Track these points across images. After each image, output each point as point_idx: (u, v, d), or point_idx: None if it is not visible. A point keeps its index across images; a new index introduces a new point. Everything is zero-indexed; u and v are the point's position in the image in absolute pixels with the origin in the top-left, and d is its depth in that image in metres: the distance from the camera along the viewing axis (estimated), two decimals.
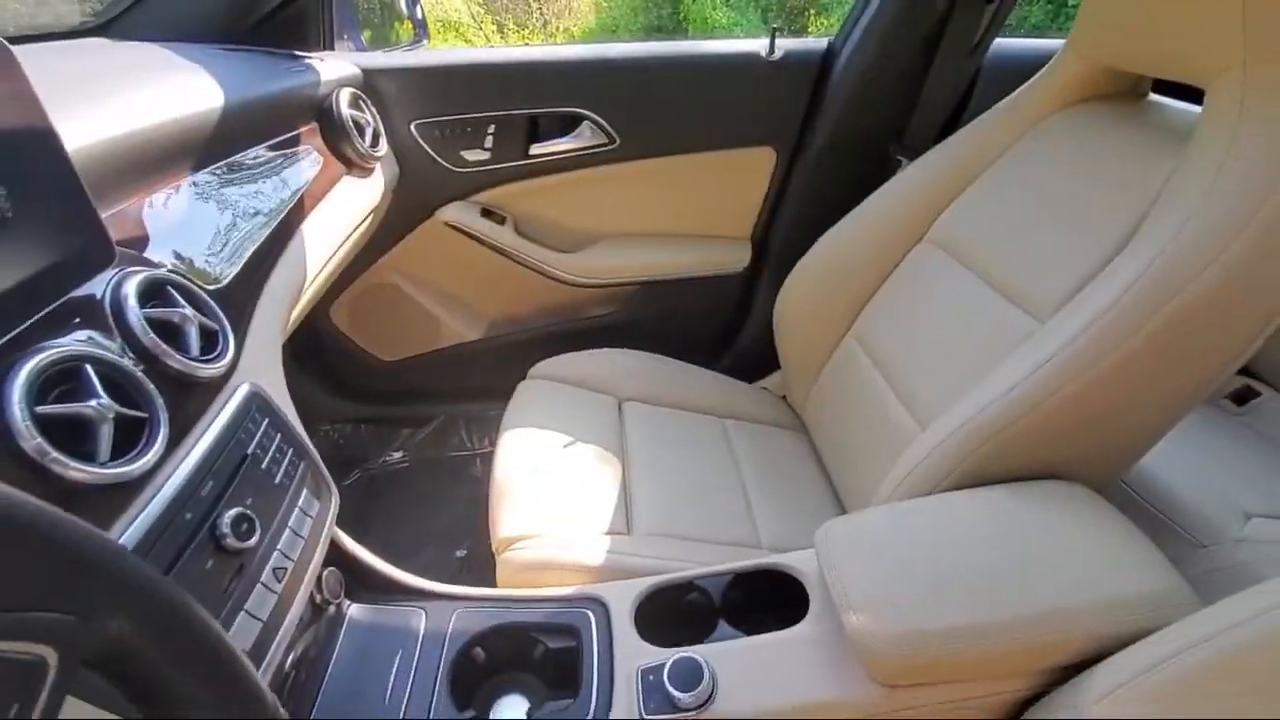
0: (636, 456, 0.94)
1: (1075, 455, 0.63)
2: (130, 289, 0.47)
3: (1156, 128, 0.73)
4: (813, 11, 5.48)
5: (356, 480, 1.31)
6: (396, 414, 1.34)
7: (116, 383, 0.42)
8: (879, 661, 0.52)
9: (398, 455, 1.33)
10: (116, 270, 0.47)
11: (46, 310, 0.41)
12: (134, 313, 0.46)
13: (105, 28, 0.89)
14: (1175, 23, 0.64)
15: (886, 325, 0.93)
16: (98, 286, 0.46)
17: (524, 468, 0.87)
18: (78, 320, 0.43)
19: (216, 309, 0.54)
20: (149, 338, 0.46)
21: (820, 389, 1.04)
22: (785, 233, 1.16)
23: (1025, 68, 0.88)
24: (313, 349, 1.22)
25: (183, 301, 0.51)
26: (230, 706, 0.24)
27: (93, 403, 0.40)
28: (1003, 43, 1.07)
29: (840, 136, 1.08)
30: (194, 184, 0.63)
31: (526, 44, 5.87)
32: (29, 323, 0.40)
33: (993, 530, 0.57)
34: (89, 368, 0.41)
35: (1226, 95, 0.59)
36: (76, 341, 0.42)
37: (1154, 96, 0.80)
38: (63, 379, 0.40)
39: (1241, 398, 1.21)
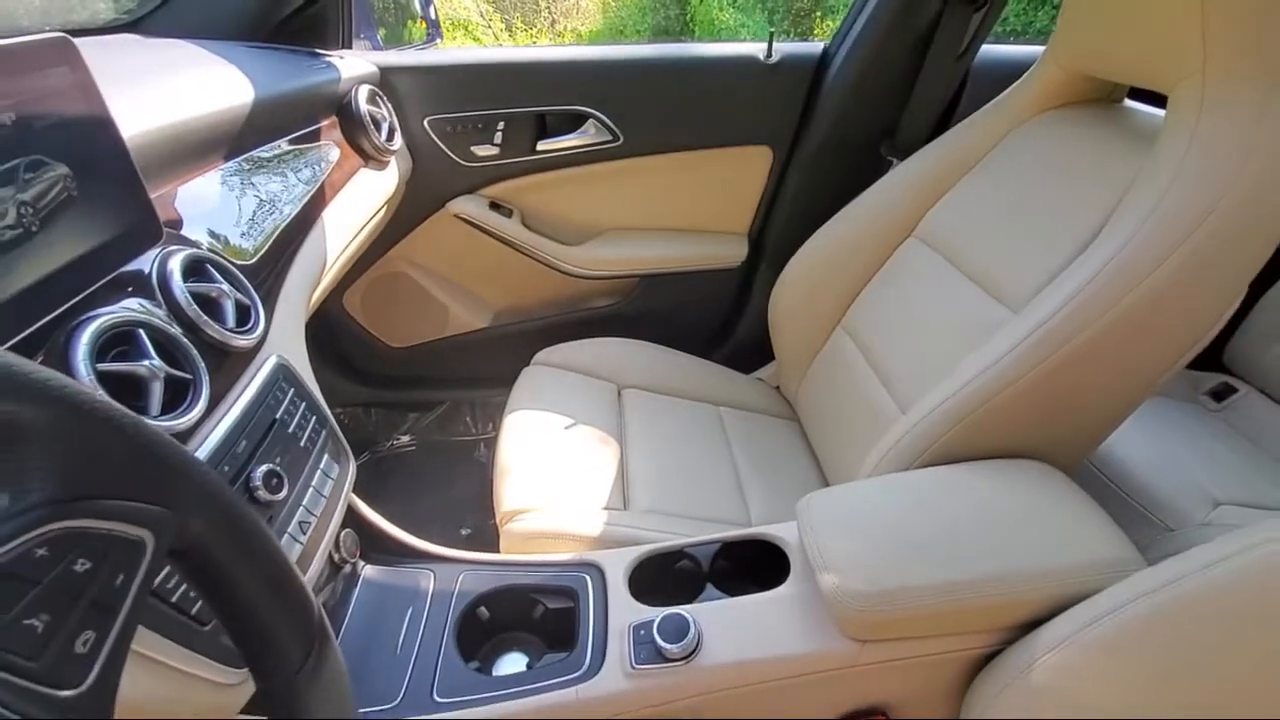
0: (634, 439, 0.99)
1: (1041, 436, 0.68)
2: (175, 265, 0.51)
3: (1128, 131, 0.77)
4: (818, 14, 5.51)
5: (366, 462, 1.36)
6: (405, 398, 1.39)
7: (164, 347, 0.47)
8: (850, 617, 0.56)
9: (406, 438, 1.38)
10: (162, 248, 0.52)
11: (104, 280, 0.46)
12: (178, 286, 0.51)
13: (136, 24, 0.94)
14: (1142, 34, 0.68)
15: (874, 317, 0.97)
16: (146, 262, 0.51)
17: (526, 447, 0.92)
18: (130, 290, 0.48)
19: (249, 286, 0.59)
20: (192, 309, 0.51)
21: (811, 379, 1.09)
22: (781, 229, 1.21)
23: (1013, 72, 0.92)
24: (326, 335, 1.27)
25: (219, 278, 0.56)
26: (284, 604, 0.29)
27: (145, 363, 0.45)
28: (993, 48, 1.11)
29: (834, 136, 1.12)
30: (226, 172, 0.68)
31: (534, 42, 5.92)
32: (90, 290, 0.45)
33: (958, 501, 0.62)
34: (142, 332, 0.46)
35: (1187, 101, 0.64)
36: (129, 309, 0.47)
37: (1129, 102, 0.85)
38: (119, 341, 0.45)
39: (1220, 395, 1.25)
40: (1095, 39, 0.76)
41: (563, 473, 0.89)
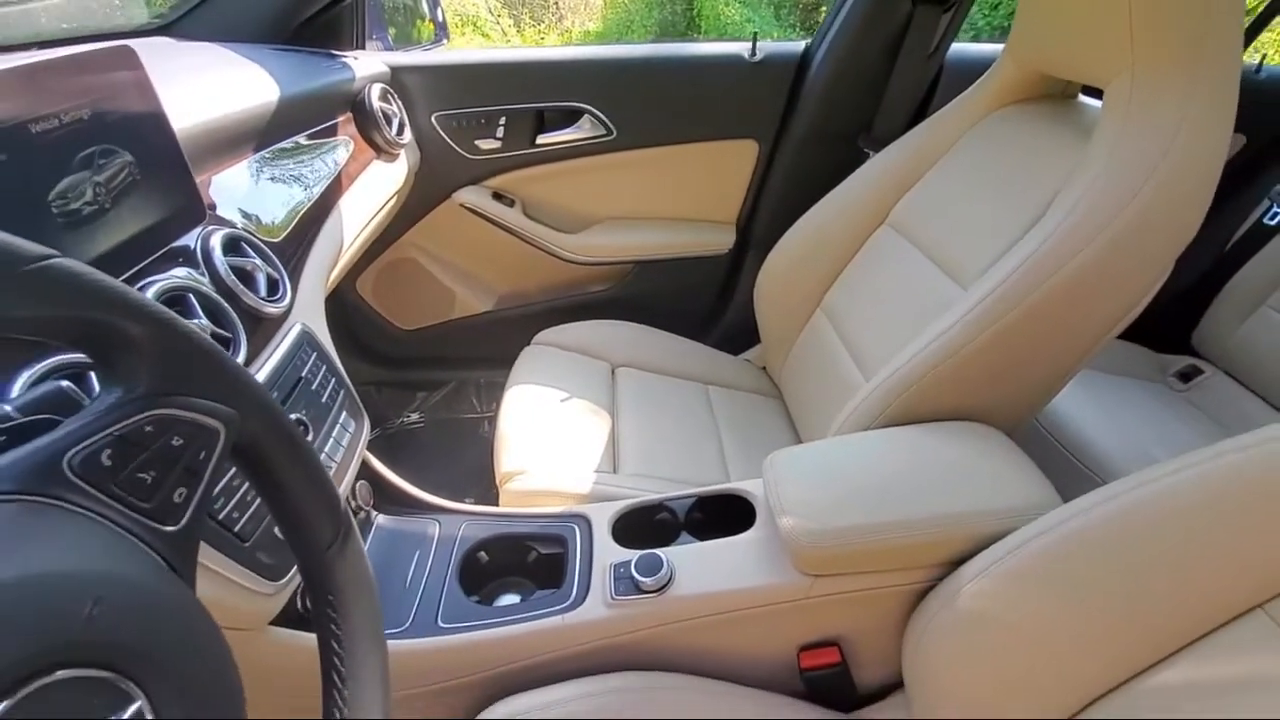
0: (625, 412, 1.07)
1: (985, 400, 0.75)
2: (216, 241, 0.60)
3: (1076, 124, 0.84)
4: (825, 7, 5.54)
5: (376, 438, 1.45)
6: (413, 378, 1.47)
7: (209, 310, 0.55)
8: (803, 554, 0.64)
9: (414, 416, 1.46)
10: (205, 226, 0.60)
11: (160, 252, 0.54)
12: (219, 260, 0.59)
13: (169, 28, 1.02)
14: (1081, 35, 0.75)
15: (849, 299, 1.05)
16: (192, 238, 0.59)
17: (525, 417, 1.00)
18: (180, 261, 0.56)
19: (277, 261, 0.67)
20: (230, 279, 0.59)
21: (793, 359, 1.16)
22: (766, 217, 1.28)
23: (984, 69, 0.99)
24: (340, 317, 1.36)
25: (252, 254, 0.64)
26: (317, 494, 0.37)
27: (195, 322, 0.53)
28: (966, 47, 1.18)
29: (815, 130, 1.19)
30: (254, 161, 0.76)
31: (541, 39, 5.98)
32: (149, 260, 0.53)
33: (902, 455, 0.69)
34: (191, 296, 0.54)
35: (1118, 95, 0.70)
36: (180, 278, 0.55)
37: (1082, 98, 0.91)
38: (172, 304, 0.53)
39: (1187, 376, 1.32)
40: (1043, 40, 0.82)
41: (558, 440, 0.97)
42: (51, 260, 0.25)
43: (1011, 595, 0.57)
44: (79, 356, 0.43)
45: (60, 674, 0.22)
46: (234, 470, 0.51)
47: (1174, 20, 0.66)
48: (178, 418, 0.30)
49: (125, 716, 0.23)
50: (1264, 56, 1.28)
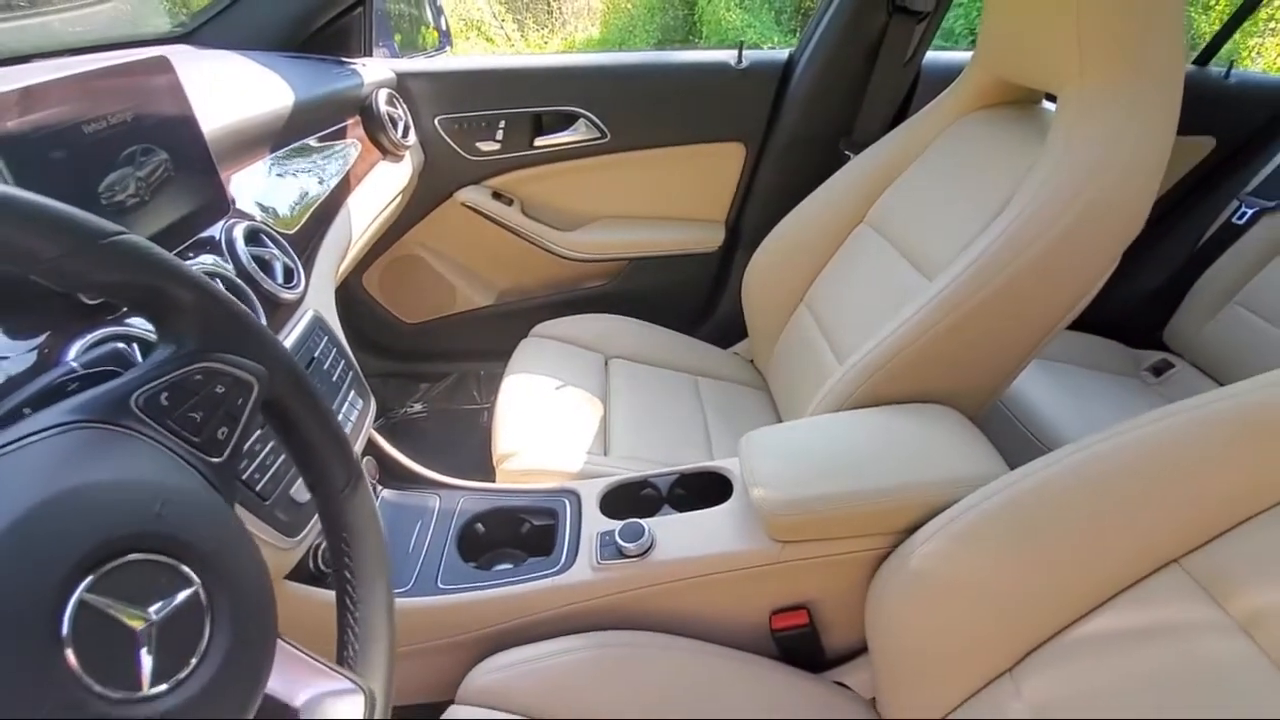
0: (617, 400, 1.13)
1: (946, 384, 0.80)
2: (238, 233, 0.66)
3: (1036, 128, 0.89)
4: None
5: (380, 427, 1.51)
6: (417, 370, 1.54)
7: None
8: (773, 521, 0.69)
9: (418, 406, 1.53)
10: (228, 219, 0.67)
11: (188, 242, 0.61)
12: (242, 250, 0.65)
13: (189, 36, 1.08)
14: (1035, 45, 0.81)
15: (829, 293, 1.10)
16: (217, 230, 0.65)
17: (522, 403, 1.06)
18: (207, 249, 0.62)
19: (292, 252, 0.73)
20: (251, 267, 0.65)
21: (778, 350, 1.21)
22: (754, 217, 1.34)
23: (956, 76, 1.04)
24: (347, 311, 1.42)
25: (271, 245, 0.70)
26: (333, 444, 0.43)
27: None
28: (942, 55, 1.24)
29: (799, 134, 1.25)
30: (271, 161, 0.82)
31: (545, 43, 6.05)
32: (180, 248, 0.59)
33: (864, 433, 0.75)
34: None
35: (1068, 101, 0.76)
36: (207, 264, 0.61)
37: (1046, 103, 0.97)
38: None
39: (1159, 370, 1.37)
40: (1005, 49, 0.88)
41: (552, 424, 1.03)
42: (123, 235, 0.32)
43: (958, 555, 0.62)
44: (123, 328, 0.49)
45: (133, 556, 0.28)
46: (256, 436, 0.57)
47: (1118, 34, 0.72)
48: (220, 370, 0.36)
49: (182, 596, 0.29)
50: (1232, 62, 1.33)
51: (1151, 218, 1.49)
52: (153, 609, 0.27)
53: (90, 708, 0.24)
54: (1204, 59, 1.32)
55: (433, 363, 1.53)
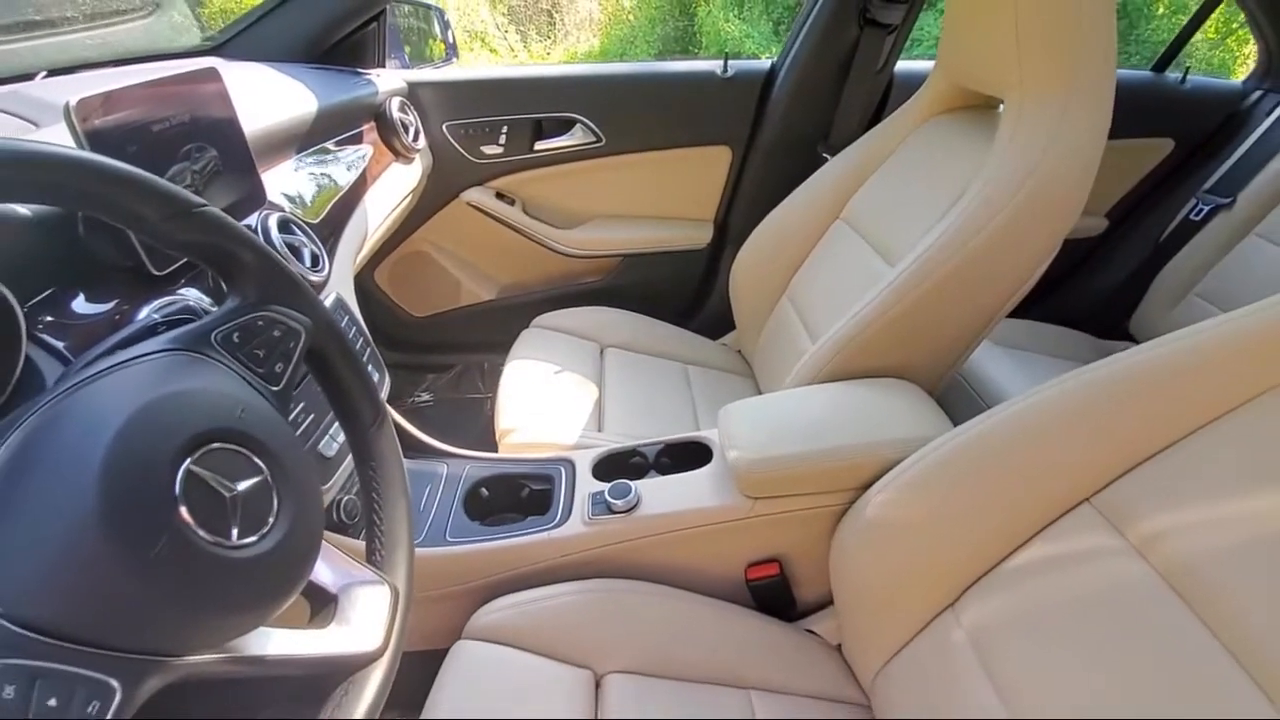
0: (611, 385, 1.21)
1: (904, 359, 0.89)
2: (272, 223, 0.75)
3: (990, 130, 0.98)
4: None
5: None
6: (424, 361, 1.62)
7: None
8: (744, 478, 0.78)
9: (425, 396, 1.61)
10: (262, 210, 0.75)
11: None
12: (275, 236, 0.74)
13: (219, 49, 1.18)
14: (984, 55, 0.90)
15: (808, 284, 1.19)
16: (253, 219, 0.74)
17: (523, 385, 1.15)
18: None
19: (318, 240, 0.82)
20: (284, 251, 0.74)
21: (763, 339, 1.30)
22: (740, 215, 1.43)
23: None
24: (360, 304, 1.51)
25: (299, 233, 0.79)
26: (362, 386, 0.52)
27: None
28: (913, 64, 1.33)
29: (780, 138, 1.34)
30: (297, 160, 0.92)
31: (547, 54, 6.17)
32: None
33: (829, 402, 0.84)
34: None
35: (1011, 106, 0.85)
36: None
37: (1004, 108, 1.05)
38: None
39: None
40: (959, 59, 0.97)
41: (551, 404, 1.12)
42: (207, 207, 0.41)
43: (906, 503, 0.71)
44: (177, 297, 0.58)
45: (221, 445, 0.36)
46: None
47: (1052, 47, 0.81)
48: (277, 318, 0.45)
49: (257, 480, 0.37)
50: (1187, 69, 1.42)
51: (1116, 216, 1.59)
52: (236, 485, 0.36)
53: (196, 547, 0.33)
54: (1161, 66, 1.41)
55: (439, 354, 1.62)
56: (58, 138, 0.56)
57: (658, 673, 0.73)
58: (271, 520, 0.37)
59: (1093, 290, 1.49)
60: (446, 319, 1.57)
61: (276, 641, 0.39)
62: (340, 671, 0.42)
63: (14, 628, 0.27)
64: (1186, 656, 0.50)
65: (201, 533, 0.33)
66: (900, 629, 0.70)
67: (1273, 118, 1.31)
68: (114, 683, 0.29)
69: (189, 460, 0.34)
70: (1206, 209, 1.33)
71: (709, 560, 0.82)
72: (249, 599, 0.35)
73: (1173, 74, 1.42)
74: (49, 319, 0.49)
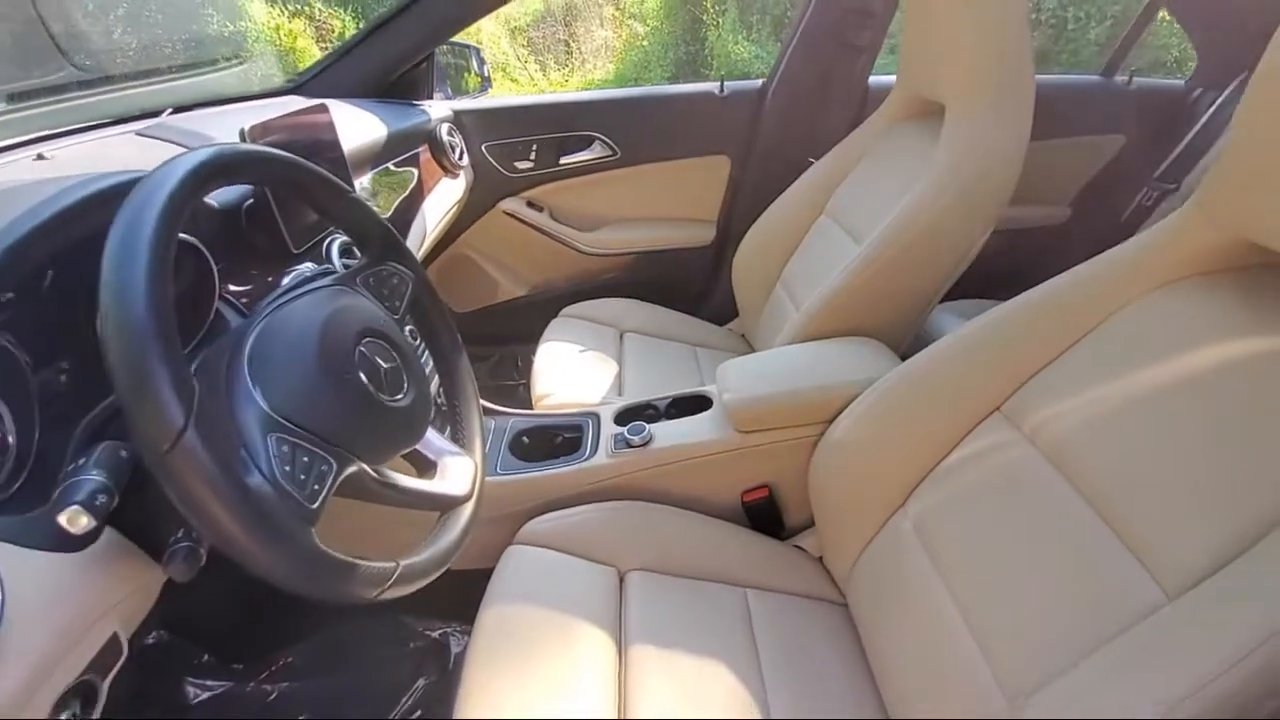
0: (630, 362, 1.40)
1: (871, 322, 1.07)
2: None
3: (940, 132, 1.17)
4: None
5: None
6: (468, 352, 1.84)
7: None
8: (735, 415, 0.96)
9: None
10: None
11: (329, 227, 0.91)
12: None
13: (299, 89, 1.42)
14: (931, 65, 1.09)
15: (798, 272, 1.37)
16: None
17: (555, 361, 1.35)
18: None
19: None
20: None
21: (761, 322, 1.49)
22: (739, 215, 1.63)
23: None
24: None
25: None
26: (449, 332, 0.72)
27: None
28: (887, 79, 1.52)
29: (772, 147, 1.55)
30: (369, 176, 1.14)
31: (566, 81, 6.47)
32: (328, 229, 0.90)
33: (805, 355, 1.02)
34: (354, 248, 0.90)
35: (953, 109, 1.04)
36: (346, 240, 0.91)
37: (946, 113, 1.24)
38: (345, 253, 0.89)
39: None
40: (914, 71, 1.16)
41: (578, 374, 1.31)
42: (353, 193, 0.62)
43: (862, 427, 0.88)
44: (307, 267, 0.79)
45: (373, 340, 0.56)
46: None
47: (977, 64, 1.00)
48: (394, 270, 0.65)
49: (392, 365, 0.57)
50: (1134, 71, 1.59)
51: (1078, 205, 1.76)
52: (384, 364, 0.56)
53: (371, 399, 0.53)
54: (1109, 71, 1.58)
55: (479, 345, 1.83)
56: None
57: (670, 572, 0.91)
58: (404, 388, 0.57)
59: (1057, 273, 1.64)
60: (485, 314, 1.78)
61: (405, 481, 0.59)
62: (441, 506, 0.62)
63: (280, 418, 0.47)
64: (1062, 515, 0.66)
65: (371, 388, 0.53)
66: (864, 530, 0.86)
67: (1209, 112, 1.47)
68: (332, 461, 0.49)
69: (361, 344, 0.55)
70: (1156, 194, 1.49)
71: (710, 486, 1.00)
72: (393, 431, 0.55)
73: (1120, 77, 1.59)
74: (227, 283, 0.70)
